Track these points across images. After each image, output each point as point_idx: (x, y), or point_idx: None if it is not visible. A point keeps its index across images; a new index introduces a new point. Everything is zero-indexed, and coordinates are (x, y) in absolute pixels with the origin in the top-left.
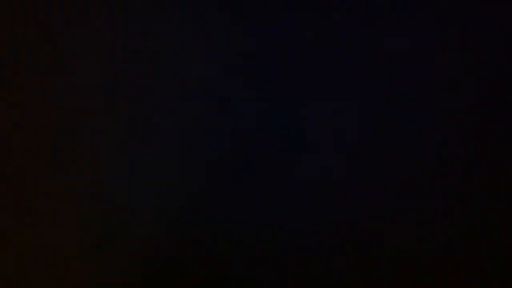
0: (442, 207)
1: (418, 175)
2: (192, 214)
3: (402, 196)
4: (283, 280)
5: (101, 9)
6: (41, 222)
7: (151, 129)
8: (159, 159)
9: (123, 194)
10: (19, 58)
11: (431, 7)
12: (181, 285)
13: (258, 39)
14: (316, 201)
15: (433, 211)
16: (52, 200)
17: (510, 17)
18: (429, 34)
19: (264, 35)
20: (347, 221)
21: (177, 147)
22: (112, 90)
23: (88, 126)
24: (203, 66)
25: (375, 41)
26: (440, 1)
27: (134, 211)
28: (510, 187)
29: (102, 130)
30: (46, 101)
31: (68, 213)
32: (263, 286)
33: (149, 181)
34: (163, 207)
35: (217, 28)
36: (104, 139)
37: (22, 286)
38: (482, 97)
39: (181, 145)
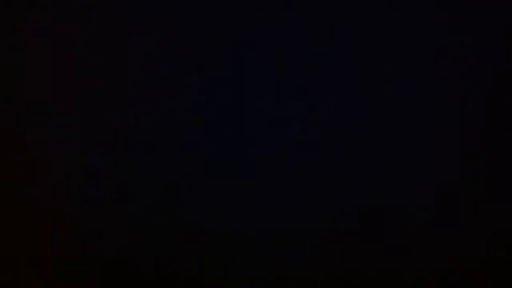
0: (441, 207)
1: (418, 175)
2: (192, 213)
3: (403, 196)
4: (284, 280)
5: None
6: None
7: (150, 128)
8: (156, 158)
9: (121, 193)
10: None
11: (431, 7)
12: (181, 284)
13: (258, 39)
14: (316, 200)
15: (432, 210)
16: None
17: (510, 17)
18: (429, 33)
19: (264, 35)
20: (347, 220)
21: (177, 146)
22: (110, 87)
23: (86, 122)
24: (202, 65)
25: (375, 41)
26: (440, 1)
27: (131, 209)
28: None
29: (101, 128)
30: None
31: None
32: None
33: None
34: (161, 205)
35: (216, 26)
36: (101, 138)
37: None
38: (482, 97)
39: (181, 143)
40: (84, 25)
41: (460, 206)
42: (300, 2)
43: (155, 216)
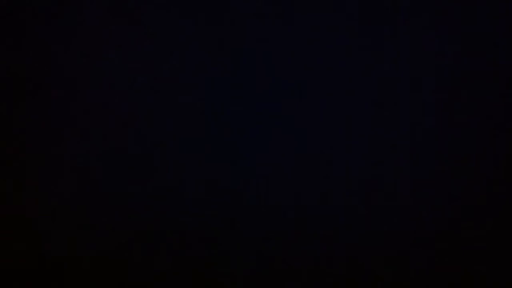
0: (441, 207)
1: (418, 175)
2: (192, 212)
3: (403, 195)
4: (285, 279)
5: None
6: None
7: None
8: (156, 157)
9: (120, 190)
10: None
11: (431, 7)
12: (181, 282)
13: (258, 39)
14: (315, 200)
15: (432, 211)
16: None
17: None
18: (429, 34)
19: (265, 35)
20: (347, 219)
21: (178, 144)
22: (112, 88)
23: (85, 122)
24: (202, 66)
25: (375, 41)
26: (440, 1)
27: (131, 207)
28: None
29: (99, 128)
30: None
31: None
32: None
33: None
34: (163, 204)
35: (215, 27)
36: (100, 138)
37: None
38: (482, 97)
39: (181, 143)
40: (85, 25)
41: (459, 205)
42: (301, 2)
43: (154, 216)
